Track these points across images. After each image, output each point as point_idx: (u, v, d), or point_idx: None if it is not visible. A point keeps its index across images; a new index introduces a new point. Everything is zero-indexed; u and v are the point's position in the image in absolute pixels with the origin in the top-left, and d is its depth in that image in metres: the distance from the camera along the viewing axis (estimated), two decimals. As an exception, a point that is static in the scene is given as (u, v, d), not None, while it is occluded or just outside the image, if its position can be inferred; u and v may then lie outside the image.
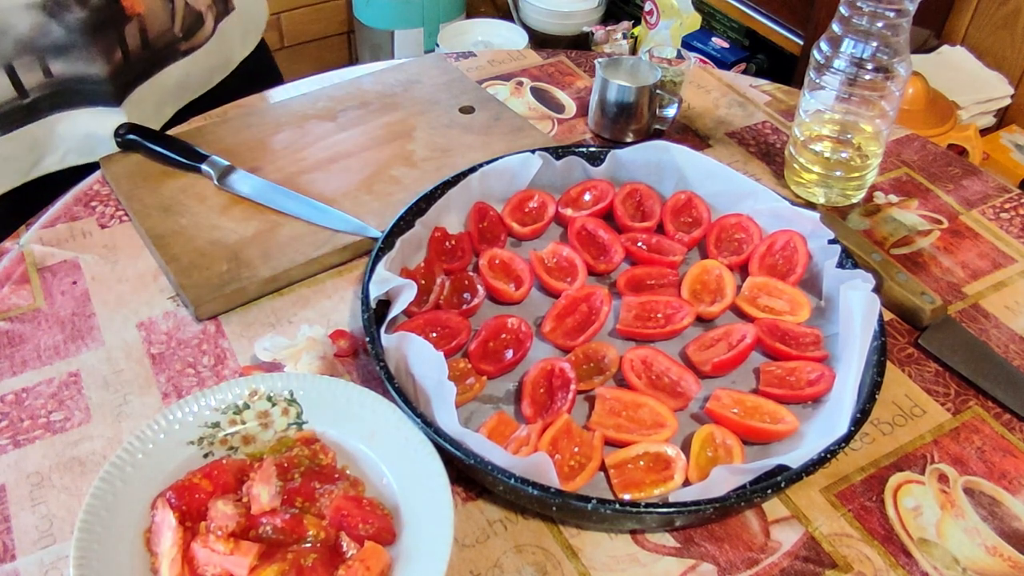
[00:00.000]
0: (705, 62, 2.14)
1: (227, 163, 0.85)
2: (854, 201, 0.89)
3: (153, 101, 0.96)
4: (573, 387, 0.65)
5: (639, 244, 0.79)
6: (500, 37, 2.39)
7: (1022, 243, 0.85)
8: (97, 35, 0.85)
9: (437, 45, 2.35)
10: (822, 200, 0.88)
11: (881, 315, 0.69)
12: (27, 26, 0.81)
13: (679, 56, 0.98)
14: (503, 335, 0.70)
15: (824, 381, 0.67)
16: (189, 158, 0.85)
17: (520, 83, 1.04)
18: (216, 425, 0.61)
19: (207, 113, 0.97)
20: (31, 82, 0.85)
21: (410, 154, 0.90)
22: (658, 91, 0.93)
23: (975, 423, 0.68)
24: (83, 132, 0.90)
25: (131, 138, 0.87)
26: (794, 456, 0.59)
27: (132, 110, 0.92)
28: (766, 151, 0.95)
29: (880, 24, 0.76)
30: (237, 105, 0.98)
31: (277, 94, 1.00)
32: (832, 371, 0.68)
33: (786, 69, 2.07)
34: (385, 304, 0.71)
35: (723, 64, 2.17)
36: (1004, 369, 0.72)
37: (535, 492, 0.57)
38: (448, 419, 0.59)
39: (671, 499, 0.59)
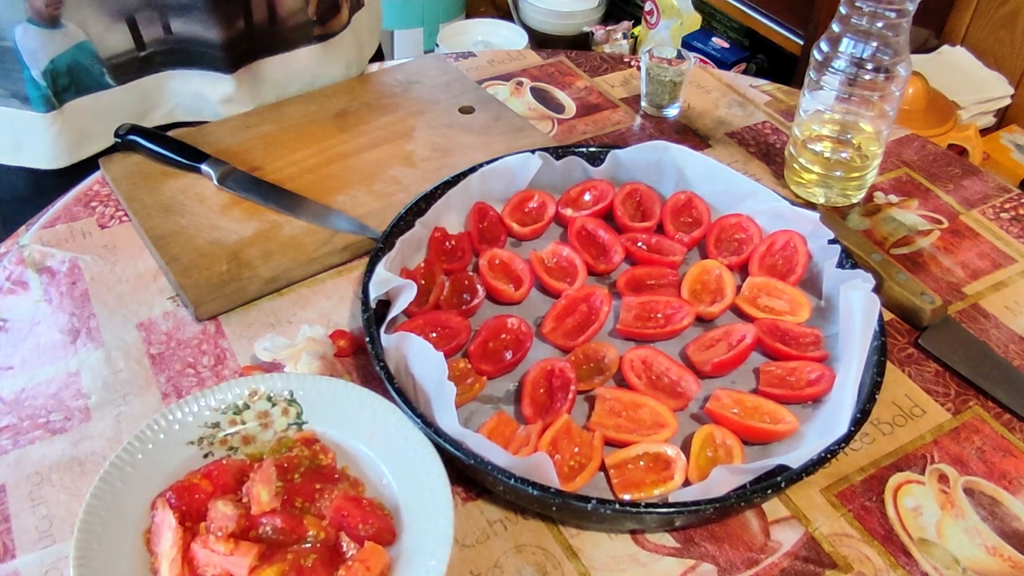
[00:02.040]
0: (705, 62, 2.14)
1: (227, 163, 0.85)
2: (854, 201, 0.89)
3: (275, 79, 0.95)
4: (573, 387, 0.65)
5: (639, 244, 0.79)
6: (500, 37, 2.39)
7: (1022, 243, 0.85)
8: (220, 1, 0.85)
9: (437, 45, 2.35)
10: (822, 200, 0.88)
11: (881, 315, 0.69)
12: None
13: (679, 56, 0.98)
14: (503, 335, 0.70)
15: (824, 381, 0.67)
16: (189, 158, 0.85)
17: (520, 83, 1.04)
18: (216, 425, 0.61)
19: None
20: (150, 36, 0.86)
21: (410, 154, 0.90)
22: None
23: (975, 423, 0.68)
24: (193, 91, 0.91)
25: (131, 138, 0.86)
26: (794, 456, 0.59)
27: (245, 80, 0.93)
28: (766, 151, 0.95)
29: (880, 24, 0.76)
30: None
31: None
32: (832, 371, 0.68)
33: (786, 69, 2.07)
34: (385, 304, 0.71)
35: (723, 64, 2.17)
36: (1004, 369, 0.72)
37: (535, 492, 0.57)
38: (448, 419, 0.59)
39: (671, 499, 0.59)
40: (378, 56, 1.12)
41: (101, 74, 0.86)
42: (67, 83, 0.85)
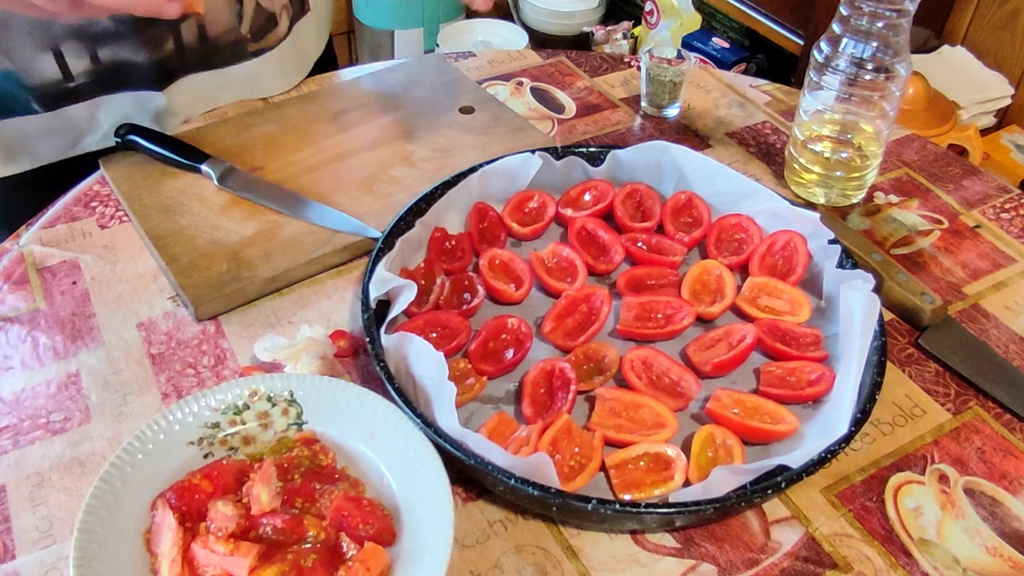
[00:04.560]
0: (705, 62, 2.14)
1: (227, 163, 0.85)
2: (854, 201, 0.89)
3: (208, 91, 0.95)
4: (573, 387, 0.65)
5: (639, 244, 0.79)
6: (500, 37, 2.39)
7: (1022, 243, 0.85)
8: (147, 27, 0.84)
9: (437, 45, 2.35)
10: (822, 200, 0.88)
11: (881, 315, 0.69)
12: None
13: (679, 56, 0.98)
14: (503, 335, 0.70)
15: (824, 381, 0.67)
16: (189, 158, 0.85)
17: (520, 83, 1.04)
18: (216, 425, 0.61)
19: (208, 113, 0.97)
20: (78, 68, 0.85)
21: (410, 154, 0.90)
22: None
23: (975, 423, 0.68)
24: (124, 114, 0.90)
25: (131, 138, 0.86)
26: (794, 456, 0.59)
27: (176, 94, 0.92)
28: (766, 151, 0.95)
29: (880, 24, 0.76)
30: (238, 105, 0.98)
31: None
32: (832, 371, 0.68)
33: (786, 69, 2.07)
34: (385, 304, 0.71)
35: (723, 64, 2.17)
36: (1004, 369, 0.72)
37: (535, 492, 0.57)
38: (448, 419, 0.59)
39: (671, 499, 0.59)
40: (331, 61, 1.11)
41: (28, 100, 0.85)
42: None
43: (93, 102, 0.88)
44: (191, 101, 0.94)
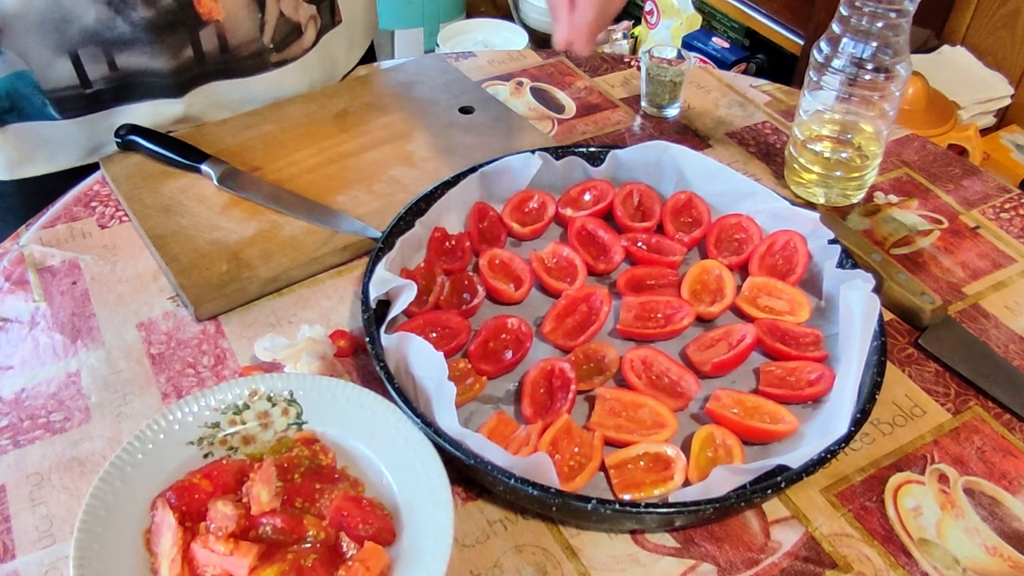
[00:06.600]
0: (705, 62, 2.14)
1: (227, 163, 0.85)
2: (854, 201, 0.89)
3: (230, 100, 0.94)
4: (573, 387, 0.65)
5: (639, 244, 0.79)
6: (500, 37, 2.39)
7: (1022, 243, 0.85)
8: (165, 34, 0.84)
9: (437, 45, 2.35)
10: (822, 200, 0.88)
11: (881, 315, 0.69)
12: (92, 18, 0.81)
13: (679, 56, 0.98)
14: (503, 335, 0.70)
15: (824, 381, 0.67)
16: (189, 158, 0.85)
17: (520, 83, 1.04)
18: (216, 425, 0.61)
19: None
20: (95, 74, 0.84)
21: (410, 154, 0.90)
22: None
23: (975, 423, 0.68)
24: (141, 123, 0.90)
25: (131, 138, 0.86)
26: (794, 456, 0.59)
27: (196, 102, 0.91)
28: (766, 151, 0.95)
29: (880, 24, 0.76)
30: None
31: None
32: (832, 371, 0.68)
33: (786, 69, 2.07)
34: (385, 304, 0.71)
35: (723, 64, 2.17)
36: (1004, 369, 0.72)
37: (535, 492, 0.57)
38: (448, 419, 0.59)
39: (671, 499, 0.59)
40: (371, 58, 1.11)
41: (44, 105, 0.84)
42: (8, 106, 0.83)
43: (111, 111, 0.88)
44: (210, 110, 0.93)
